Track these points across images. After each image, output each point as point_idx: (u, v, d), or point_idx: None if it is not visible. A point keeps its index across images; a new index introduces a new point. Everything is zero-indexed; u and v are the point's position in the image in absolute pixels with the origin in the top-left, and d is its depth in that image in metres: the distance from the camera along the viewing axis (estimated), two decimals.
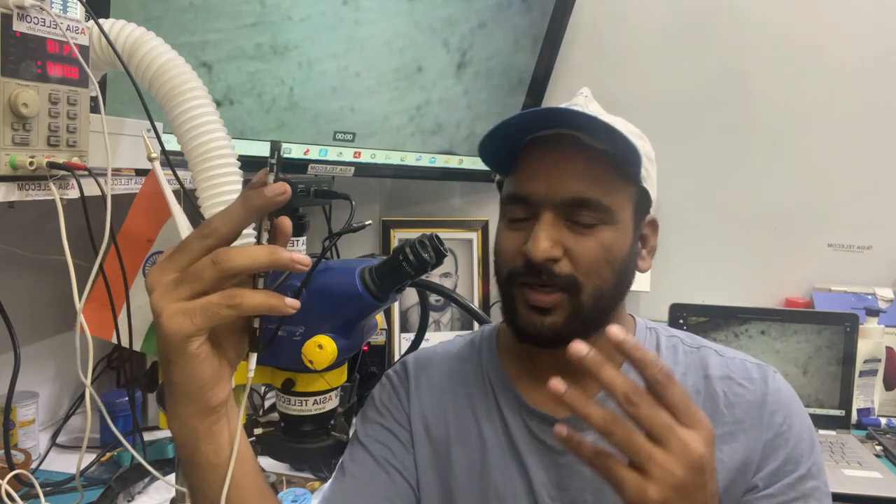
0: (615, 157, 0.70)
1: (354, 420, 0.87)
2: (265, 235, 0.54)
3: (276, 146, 0.53)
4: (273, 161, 0.53)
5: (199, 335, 0.53)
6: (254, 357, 0.59)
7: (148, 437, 1.16)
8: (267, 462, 1.19)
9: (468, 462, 0.77)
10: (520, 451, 0.76)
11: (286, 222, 0.57)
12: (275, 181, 0.53)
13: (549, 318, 0.70)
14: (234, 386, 0.80)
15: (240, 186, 0.82)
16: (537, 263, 0.68)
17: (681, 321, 1.53)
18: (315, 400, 0.78)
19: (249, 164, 0.89)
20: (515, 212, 0.72)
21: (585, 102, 0.77)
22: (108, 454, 1.20)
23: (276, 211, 0.55)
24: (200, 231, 0.53)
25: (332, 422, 0.82)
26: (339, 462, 0.82)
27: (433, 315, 1.78)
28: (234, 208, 0.52)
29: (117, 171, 0.90)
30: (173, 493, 0.98)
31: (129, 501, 1.09)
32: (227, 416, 0.60)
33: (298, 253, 0.53)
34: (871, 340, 1.56)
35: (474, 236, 1.84)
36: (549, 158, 0.71)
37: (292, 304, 0.54)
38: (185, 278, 0.52)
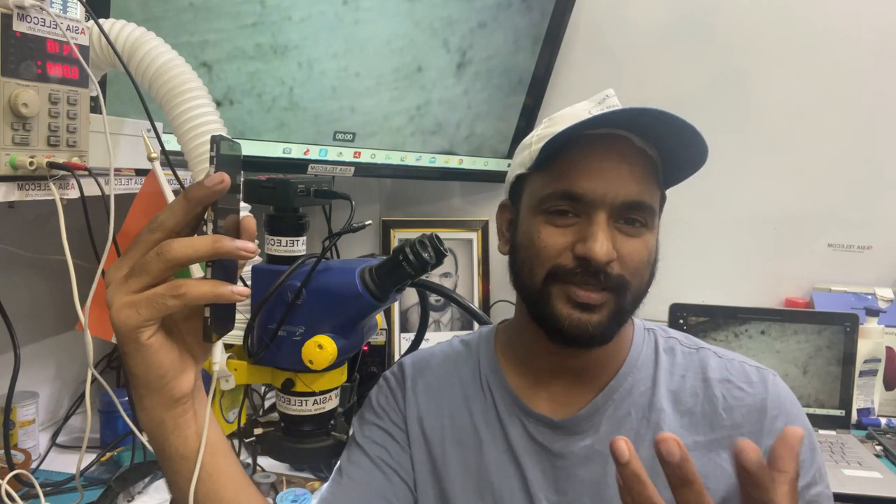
0: (657, 163, 0.72)
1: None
2: (210, 226, 0.54)
3: (214, 139, 0.54)
4: (212, 154, 0.54)
5: (147, 326, 0.54)
6: (218, 347, 0.58)
7: None
8: (267, 462, 1.19)
9: (465, 464, 0.77)
10: (517, 454, 0.76)
11: (250, 221, 0.58)
12: (215, 172, 0.53)
13: (595, 316, 0.69)
14: (234, 386, 0.81)
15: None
16: (598, 265, 0.67)
17: (681, 321, 1.53)
18: (315, 400, 0.78)
19: (249, 165, 0.89)
20: (560, 209, 0.70)
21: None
22: (108, 454, 1.20)
23: (221, 206, 0.55)
24: (149, 226, 0.54)
25: (332, 422, 0.83)
26: (336, 463, 0.82)
27: (433, 315, 1.78)
28: (178, 201, 0.54)
29: (117, 171, 0.90)
30: None
31: (129, 501, 1.09)
32: (195, 408, 0.60)
33: (245, 241, 0.54)
34: (871, 340, 1.56)
35: (474, 236, 1.84)
36: (609, 159, 0.69)
37: (240, 291, 0.54)
38: (133, 272, 0.53)
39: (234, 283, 0.56)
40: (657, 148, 0.72)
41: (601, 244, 0.67)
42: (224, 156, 0.55)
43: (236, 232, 0.58)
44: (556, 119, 0.76)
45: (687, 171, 0.73)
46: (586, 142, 0.69)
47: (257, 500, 0.67)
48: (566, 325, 0.69)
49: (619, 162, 0.69)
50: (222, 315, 0.57)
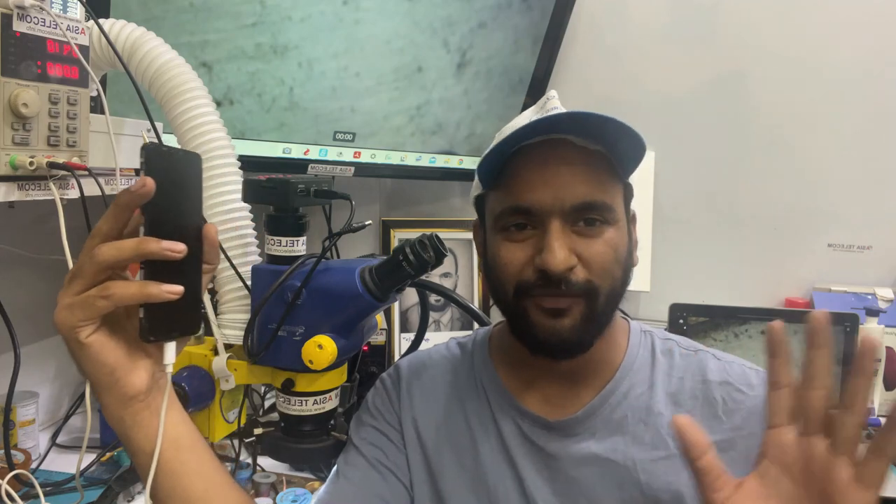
0: (607, 157, 0.71)
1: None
2: (141, 230, 0.56)
3: (143, 147, 0.56)
4: (141, 160, 0.56)
5: (83, 326, 0.56)
6: (169, 348, 0.60)
7: None
8: (267, 462, 1.19)
9: (460, 465, 0.77)
10: (511, 453, 0.76)
11: (210, 229, 0.61)
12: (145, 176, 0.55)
13: (566, 321, 0.69)
14: (235, 385, 0.80)
15: (239, 186, 0.82)
16: (556, 274, 0.67)
17: (681, 321, 1.53)
18: (315, 400, 0.78)
19: (249, 164, 0.89)
20: (517, 223, 0.70)
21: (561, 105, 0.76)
22: (108, 454, 1.19)
23: (155, 209, 0.56)
24: (92, 232, 0.57)
25: (331, 422, 0.83)
26: (335, 465, 0.82)
27: (433, 315, 1.78)
28: (110, 207, 0.56)
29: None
30: None
31: (129, 501, 1.09)
32: (155, 405, 0.61)
33: (172, 242, 0.55)
34: None
35: None
36: (550, 165, 0.69)
37: (170, 290, 0.56)
38: (73, 275, 0.56)
39: (191, 284, 0.58)
40: (601, 143, 0.71)
41: (555, 253, 0.66)
42: (159, 163, 0.57)
43: (198, 238, 0.60)
44: (504, 133, 0.76)
45: (633, 161, 0.72)
46: (527, 152, 0.70)
47: (233, 495, 0.67)
48: (540, 334, 0.69)
49: (559, 166, 0.69)
50: (163, 316, 0.57)
